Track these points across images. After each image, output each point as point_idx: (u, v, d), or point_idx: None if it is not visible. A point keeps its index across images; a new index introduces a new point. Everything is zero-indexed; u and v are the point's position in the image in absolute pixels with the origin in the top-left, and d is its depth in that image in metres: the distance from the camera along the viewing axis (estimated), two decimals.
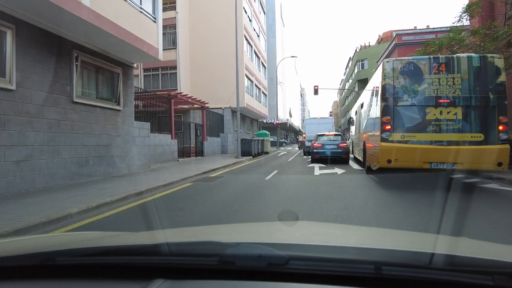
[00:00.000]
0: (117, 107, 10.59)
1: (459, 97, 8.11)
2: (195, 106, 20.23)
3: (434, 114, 8.18)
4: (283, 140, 51.28)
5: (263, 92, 33.90)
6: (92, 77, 9.81)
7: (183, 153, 17.49)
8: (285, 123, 52.44)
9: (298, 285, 0.85)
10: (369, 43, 54.26)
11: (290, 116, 66.03)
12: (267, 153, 24.30)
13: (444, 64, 8.32)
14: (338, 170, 11.05)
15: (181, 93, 17.59)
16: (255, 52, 29.29)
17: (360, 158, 13.02)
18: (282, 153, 25.33)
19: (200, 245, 1.08)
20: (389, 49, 29.92)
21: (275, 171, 10.98)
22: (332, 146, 13.67)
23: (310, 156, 15.54)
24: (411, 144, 8.15)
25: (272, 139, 45.84)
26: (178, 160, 15.88)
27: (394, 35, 31.29)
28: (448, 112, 8.15)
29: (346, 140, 14.82)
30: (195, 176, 9.95)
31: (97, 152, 9.56)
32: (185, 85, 23.86)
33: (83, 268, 1.00)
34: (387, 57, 31.44)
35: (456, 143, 7.98)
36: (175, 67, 23.60)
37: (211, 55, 24.86)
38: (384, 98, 8.48)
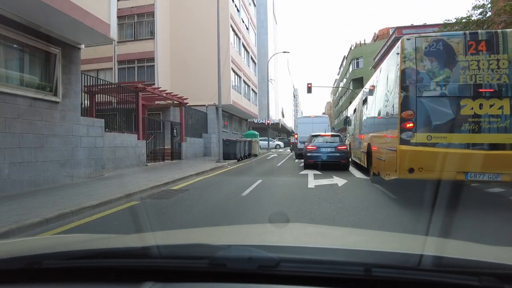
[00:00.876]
0: (53, 98, 8.15)
1: (506, 85, 6.09)
2: (174, 102, 17.82)
3: (472, 108, 6.13)
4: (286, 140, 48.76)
5: (252, 90, 31.54)
6: (12, 57, 7.38)
7: (156, 156, 15.06)
8: (277, 124, 50.23)
9: (289, 287, 0.85)
10: (364, 40, 52.34)
11: (283, 116, 63.92)
12: (255, 155, 21.99)
13: (484, 42, 6.24)
14: (338, 180, 8.76)
15: (152, 85, 15.14)
16: (244, 46, 26.93)
17: (362, 163, 10.78)
18: (272, 155, 23.00)
19: (191, 248, 1.07)
20: (388, 44, 27.86)
21: (258, 181, 8.65)
22: (329, 149, 11.37)
23: (302, 160, 13.24)
24: (440, 148, 6.08)
25: (279, 141, 43.87)
26: (146, 165, 13.44)
27: (394, 29, 29.27)
28: (491, 106, 6.10)
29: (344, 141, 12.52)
30: (151, 189, 7.57)
31: (18, 157, 7.12)
32: (164, 80, 21.39)
33: (71, 272, 0.97)
34: (385, 53, 29.38)
35: (502, 146, 5.89)
36: (152, 59, 21.13)
37: (194, 47, 22.42)
38: (404, 87, 6.32)
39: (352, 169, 11.74)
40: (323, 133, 12.87)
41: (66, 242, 1.42)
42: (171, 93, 16.05)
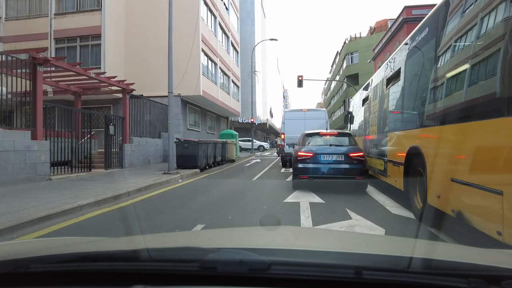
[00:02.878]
0: None
1: None
2: (117, 89, 13.07)
3: None
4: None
5: (234, 83, 26.85)
6: None
7: (84, 164, 10.31)
8: (265, 124, 45.81)
9: None
10: (360, 33, 48.22)
11: (271, 116, 59.60)
12: (232, 161, 17.36)
13: None
14: (364, 225, 4.17)
15: (64, 58, 10.34)
16: (221, 27, 22.22)
17: (390, 180, 6.26)
18: (254, 161, 18.39)
19: (181, 251, 1.05)
20: (393, 29, 23.60)
21: (196, 230, 4.03)
22: (334, 158, 6.74)
23: (292, 170, 8.59)
24: None
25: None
26: (49, 179, 8.66)
27: (395, 17, 25.07)
28: None
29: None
30: None
31: None
32: (114, 63, 16.56)
33: (59, 276, 0.95)
34: (389, 40, 25.17)
35: None
36: (99, 37, 16.27)
37: (157, 25, 17.61)
38: None
39: (372, 190, 7.18)
40: (323, 131, 8.21)
41: (54, 245, 1.35)
42: (103, 73, 11.26)
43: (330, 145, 6.99)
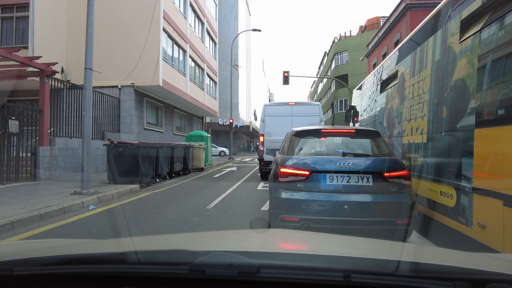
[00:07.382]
0: None
1: None
2: (34, 70, 9.41)
3: None
4: None
5: (210, 77, 23.35)
6: None
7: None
8: (248, 126, 42.45)
9: None
10: (350, 32, 45.56)
11: (255, 119, 56.38)
12: (201, 169, 13.89)
13: None
14: None
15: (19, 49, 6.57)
16: (193, 9, 18.76)
17: (488, 236, 2.89)
18: (229, 169, 14.94)
19: (170, 254, 1.03)
20: (392, 19, 20.71)
21: None
22: (353, 180, 3.35)
23: (269, 200, 5.02)
24: None
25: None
26: None
27: (385, 19, 22.18)
28: None
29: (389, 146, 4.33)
30: None
31: None
32: (51, 44, 12.85)
33: (44, 279, 0.92)
34: (387, 33, 22.36)
35: None
36: (27, 7, 12.56)
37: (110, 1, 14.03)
38: None
39: (414, 238, 3.84)
40: (328, 127, 4.47)
41: (40, 248, 1.32)
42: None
43: (344, 153, 3.58)
